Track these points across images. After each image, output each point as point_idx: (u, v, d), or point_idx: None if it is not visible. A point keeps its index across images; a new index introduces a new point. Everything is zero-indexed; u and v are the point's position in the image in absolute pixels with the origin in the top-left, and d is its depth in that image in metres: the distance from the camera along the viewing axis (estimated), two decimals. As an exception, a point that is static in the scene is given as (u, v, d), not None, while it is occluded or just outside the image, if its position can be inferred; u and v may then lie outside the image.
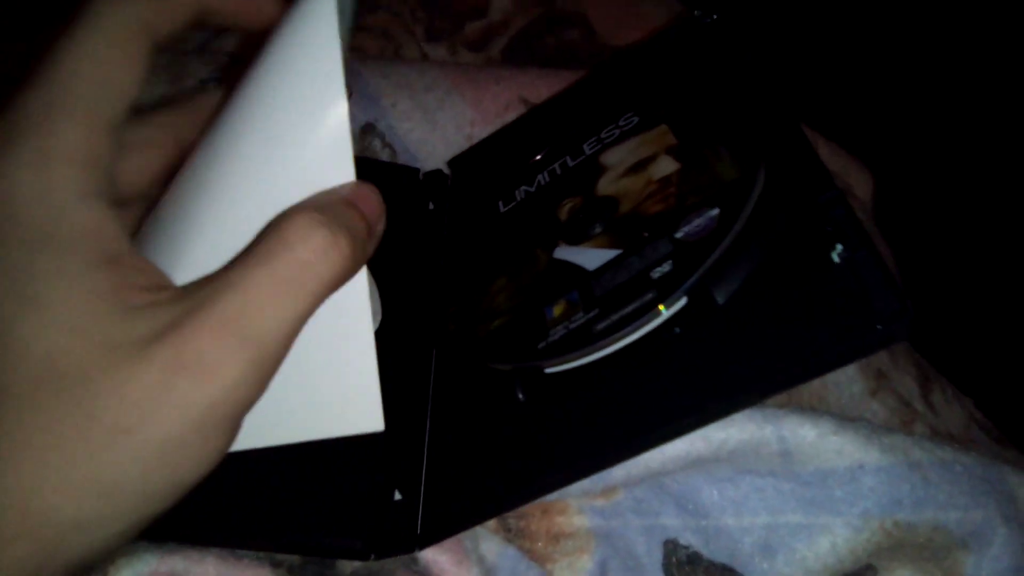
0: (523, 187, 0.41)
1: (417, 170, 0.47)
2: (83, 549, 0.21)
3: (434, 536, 0.32)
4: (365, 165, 0.46)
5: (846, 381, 0.39)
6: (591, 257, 0.35)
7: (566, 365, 0.33)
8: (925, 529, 0.32)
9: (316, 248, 0.23)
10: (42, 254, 0.22)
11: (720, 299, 0.30)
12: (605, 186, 0.38)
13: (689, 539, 0.33)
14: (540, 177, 0.41)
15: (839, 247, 0.29)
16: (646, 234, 0.34)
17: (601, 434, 0.30)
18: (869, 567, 0.32)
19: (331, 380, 0.28)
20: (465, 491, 0.33)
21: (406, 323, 0.39)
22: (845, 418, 0.35)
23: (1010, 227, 0.66)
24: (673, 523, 0.33)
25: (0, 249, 0.22)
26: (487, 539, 0.33)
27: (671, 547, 0.33)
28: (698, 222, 0.32)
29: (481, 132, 0.49)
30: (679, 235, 0.32)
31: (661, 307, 0.31)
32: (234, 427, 0.23)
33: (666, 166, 0.36)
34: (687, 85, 0.39)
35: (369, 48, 0.58)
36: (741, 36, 0.38)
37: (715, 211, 0.32)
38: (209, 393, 0.21)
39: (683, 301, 0.31)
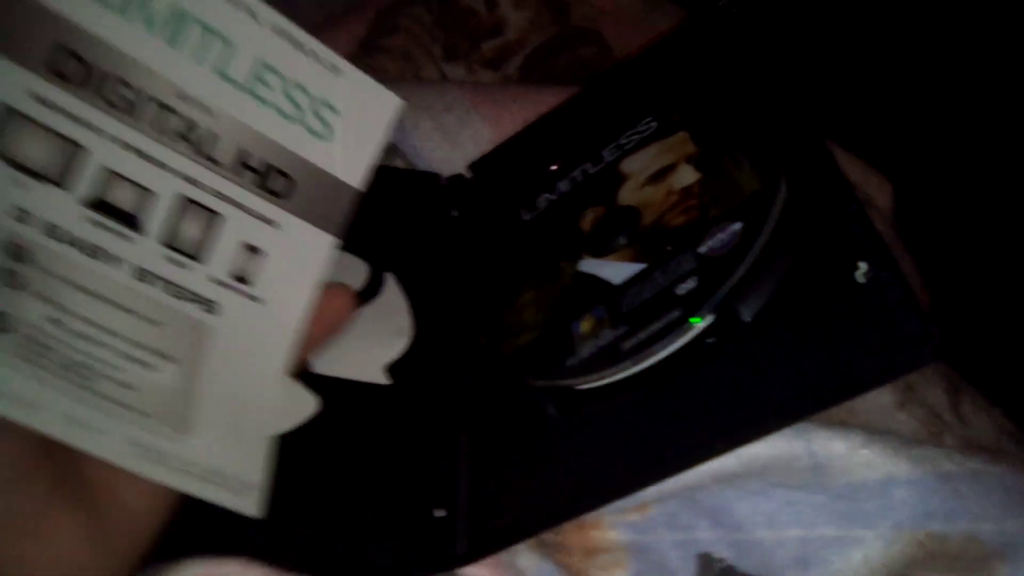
0: (545, 195, 0.41)
1: (437, 175, 0.47)
2: None
3: (476, 554, 0.32)
4: (385, 173, 0.46)
5: (874, 394, 0.39)
6: (616, 271, 0.35)
7: (597, 383, 0.33)
8: (958, 540, 0.32)
9: None
10: None
11: (746, 317, 0.31)
12: (627, 195, 0.37)
13: (723, 552, 0.33)
14: (561, 184, 0.41)
15: (863, 266, 0.29)
16: (669, 248, 0.34)
17: (636, 453, 0.31)
18: (903, 579, 0.32)
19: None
20: (505, 509, 0.33)
21: (437, 336, 0.39)
22: (874, 431, 0.35)
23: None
24: (706, 537, 0.34)
25: None
26: (524, 553, 0.33)
27: (705, 560, 0.34)
28: (721, 236, 0.32)
29: (502, 151, 0.50)
30: (703, 250, 0.32)
31: (694, 320, 0.31)
32: None
33: (687, 176, 0.36)
34: (705, 88, 0.38)
35: (390, 70, 0.59)
36: (760, 36, 0.38)
37: (737, 225, 0.32)
38: None
39: (708, 320, 0.31)
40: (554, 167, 0.41)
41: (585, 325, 0.34)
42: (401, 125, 0.50)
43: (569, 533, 0.35)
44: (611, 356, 0.32)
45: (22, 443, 0.24)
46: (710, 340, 0.31)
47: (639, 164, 0.38)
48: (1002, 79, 0.70)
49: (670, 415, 0.31)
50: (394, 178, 0.47)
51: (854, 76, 0.76)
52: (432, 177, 0.47)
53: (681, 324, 0.31)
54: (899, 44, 0.75)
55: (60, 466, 0.25)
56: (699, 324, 0.31)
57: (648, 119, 0.39)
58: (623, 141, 0.39)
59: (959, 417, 0.40)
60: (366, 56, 0.59)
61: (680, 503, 0.34)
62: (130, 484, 0.26)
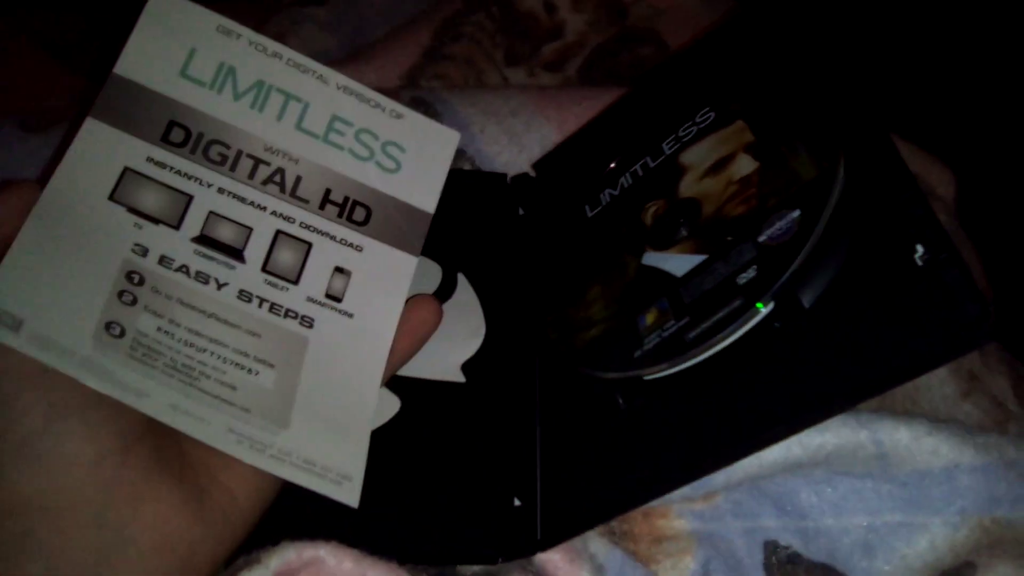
0: (608, 190, 0.42)
1: (504, 175, 0.49)
2: None
3: (553, 539, 0.34)
4: (453, 175, 0.48)
5: (938, 383, 0.39)
6: (678, 263, 0.36)
7: (662, 372, 0.34)
8: (1023, 526, 0.33)
9: None
10: None
11: (806, 303, 0.31)
12: (687, 188, 0.38)
13: (789, 540, 0.35)
14: (623, 179, 0.41)
15: (920, 248, 0.29)
16: (730, 238, 0.34)
17: (702, 440, 0.32)
18: (968, 564, 0.33)
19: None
20: (579, 496, 0.35)
21: (509, 332, 0.41)
22: (938, 420, 0.36)
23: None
24: (772, 524, 0.35)
25: None
26: (594, 540, 0.35)
27: (771, 548, 0.35)
28: (780, 225, 0.33)
29: (566, 152, 0.51)
30: (762, 239, 0.33)
31: (759, 305, 0.31)
32: None
33: (745, 165, 0.36)
34: (762, 76, 0.39)
35: (454, 76, 0.61)
36: (814, 23, 0.38)
37: (796, 213, 0.32)
38: None
39: (770, 306, 0.31)
40: (612, 165, 0.42)
41: (650, 317, 0.35)
42: (469, 130, 0.52)
43: (637, 522, 0.36)
44: (676, 347, 0.33)
45: (129, 421, 0.27)
46: (775, 325, 0.32)
47: (698, 155, 0.38)
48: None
49: (733, 403, 0.32)
50: (462, 180, 0.49)
51: (916, 66, 0.75)
52: (499, 177, 0.49)
53: (743, 313, 0.31)
54: (961, 34, 0.74)
55: (164, 446, 0.28)
56: (762, 311, 0.31)
57: (706, 109, 0.39)
58: (682, 133, 0.40)
59: (1023, 406, 0.41)
60: (431, 64, 0.61)
61: (747, 491, 0.35)
62: (231, 469, 0.29)
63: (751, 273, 0.32)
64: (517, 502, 0.35)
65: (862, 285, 0.30)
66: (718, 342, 0.32)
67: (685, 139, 0.39)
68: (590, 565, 0.34)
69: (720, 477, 0.35)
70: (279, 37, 0.64)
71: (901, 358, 0.28)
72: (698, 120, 0.39)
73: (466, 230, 0.44)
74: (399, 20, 0.67)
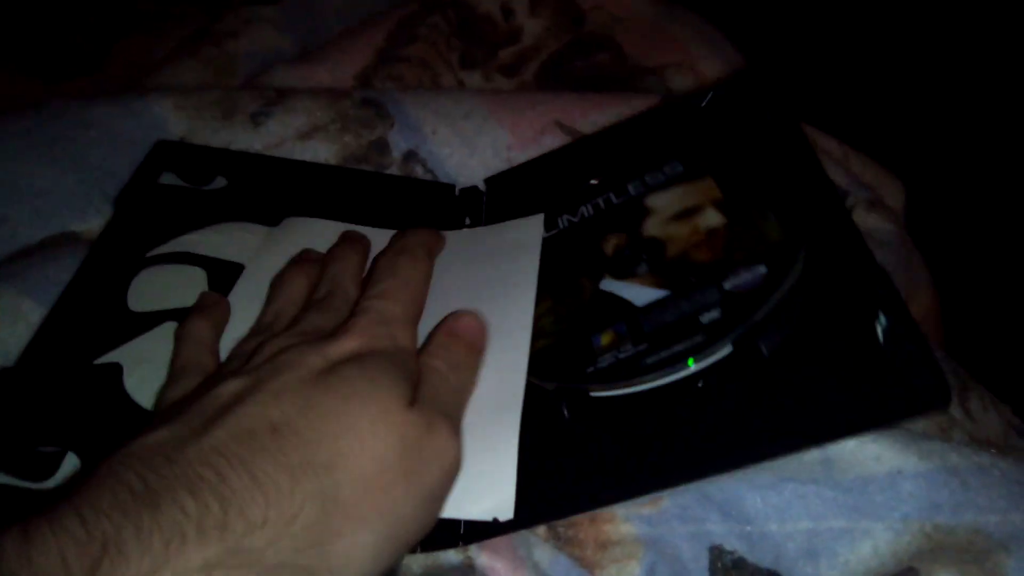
0: (566, 215, 0.43)
1: (453, 186, 0.49)
2: None
3: (476, 535, 0.34)
4: (402, 183, 0.49)
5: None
6: (639, 293, 0.38)
7: (611, 392, 0.35)
8: (965, 532, 0.33)
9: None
10: None
11: (765, 351, 0.34)
12: (652, 228, 0.40)
13: (734, 545, 0.34)
14: (584, 209, 0.43)
15: (883, 318, 0.32)
16: (694, 280, 0.37)
17: (641, 461, 0.33)
18: (911, 569, 0.33)
19: (475, 462, 0.32)
20: None
21: None
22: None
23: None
24: (718, 529, 0.35)
25: None
26: (539, 546, 0.34)
27: (716, 553, 0.35)
28: (746, 276, 0.35)
29: (518, 156, 0.51)
30: (728, 286, 0.35)
31: (690, 361, 0.34)
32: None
33: (713, 218, 0.39)
34: (731, 143, 0.41)
35: (408, 78, 0.60)
36: (781, 104, 0.41)
37: (763, 268, 0.35)
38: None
39: (728, 349, 0.34)
40: (579, 191, 0.44)
41: (605, 338, 0.37)
42: (421, 132, 0.51)
43: (583, 527, 0.35)
44: (632, 369, 0.35)
45: None
46: (700, 384, 0.34)
47: (664, 201, 0.41)
48: (1010, 80, 0.71)
49: (678, 432, 0.33)
50: (409, 189, 0.49)
51: (866, 78, 0.76)
52: (447, 188, 0.49)
53: (704, 348, 0.34)
54: (909, 47, 0.75)
55: None
56: (722, 352, 0.34)
57: (674, 162, 0.42)
58: (648, 179, 0.42)
59: (967, 413, 0.41)
60: (385, 65, 0.61)
61: (692, 496, 0.35)
62: None
63: (715, 314, 0.35)
64: None
65: (820, 344, 0.33)
66: (673, 373, 0.34)
67: (652, 184, 0.42)
68: (534, 573, 0.33)
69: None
70: (232, 35, 0.64)
71: (851, 416, 0.31)
72: (666, 170, 0.42)
73: None
74: (354, 20, 0.66)
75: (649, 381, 0.35)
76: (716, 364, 0.34)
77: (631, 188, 0.42)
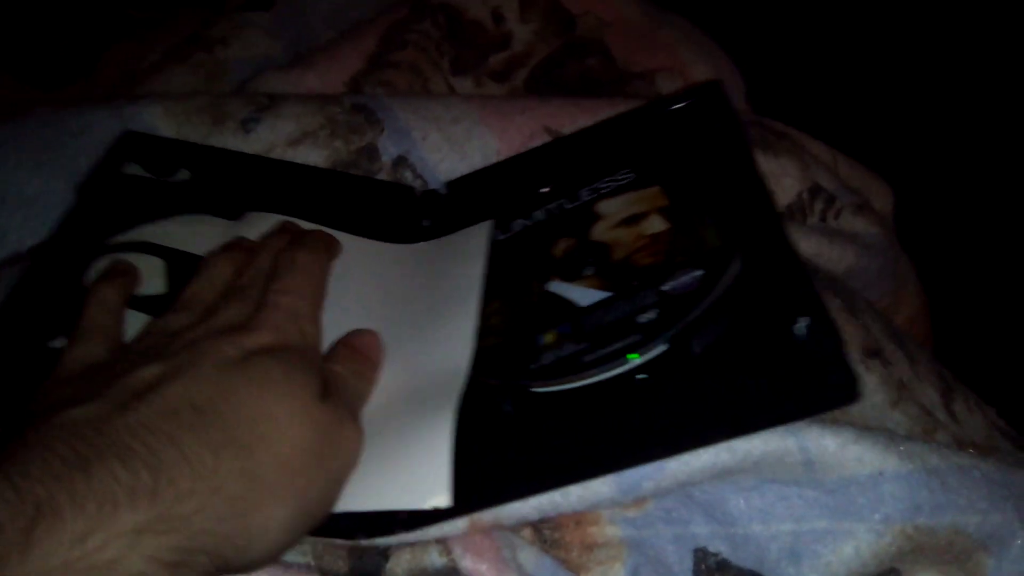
0: (520, 220, 0.45)
1: (413, 188, 0.50)
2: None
3: (415, 523, 0.34)
4: (363, 184, 0.49)
5: (868, 392, 0.40)
6: (583, 295, 0.40)
7: (553, 388, 0.37)
8: (945, 533, 0.33)
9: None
10: None
11: (697, 349, 0.36)
12: (599, 233, 0.42)
13: (718, 546, 0.35)
14: (537, 213, 0.45)
15: (803, 320, 0.34)
16: (635, 283, 0.39)
17: (580, 452, 0.34)
18: (892, 570, 0.33)
19: (411, 455, 0.34)
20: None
21: None
22: (867, 428, 0.36)
23: (1034, 236, 0.67)
24: (702, 531, 0.35)
25: None
26: (524, 549, 0.34)
27: (700, 555, 0.35)
28: (684, 279, 0.37)
29: (508, 160, 0.51)
30: (666, 288, 0.38)
31: (630, 356, 0.36)
32: None
33: (658, 224, 0.41)
34: (681, 154, 0.44)
35: (399, 83, 0.60)
36: (730, 119, 0.44)
37: (699, 272, 0.37)
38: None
39: (663, 347, 0.36)
40: (533, 197, 0.46)
41: (549, 337, 0.39)
42: (410, 137, 0.52)
43: (568, 529, 0.36)
44: (573, 366, 0.37)
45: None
46: (641, 377, 0.36)
47: (614, 207, 0.43)
48: (1000, 84, 0.71)
49: (614, 424, 0.35)
50: (370, 189, 0.49)
51: (855, 84, 0.77)
52: (407, 189, 0.50)
53: (641, 346, 0.36)
54: (899, 50, 0.76)
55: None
56: (650, 354, 0.36)
57: (626, 170, 0.44)
58: (601, 185, 0.44)
59: (952, 415, 0.41)
60: (376, 71, 0.61)
61: (676, 498, 0.35)
62: None
63: (652, 315, 0.37)
64: None
65: (746, 343, 0.35)
66: (610, 369, 0.36)
67: (603, 191, 0.44)
68: (519, 575, 0.34)
69: (650, 483, 0.35)
70: (223, 41, 0.64)
71: (771, 407, 0.33)
72: (618, 177, 0.44)
73: (377, 236, 0.46)
74: (345, 26, 0.66)
75: (587, 377, 0.36)
76: (652, 361, 0.36)
77: (583, 194, 0.44)
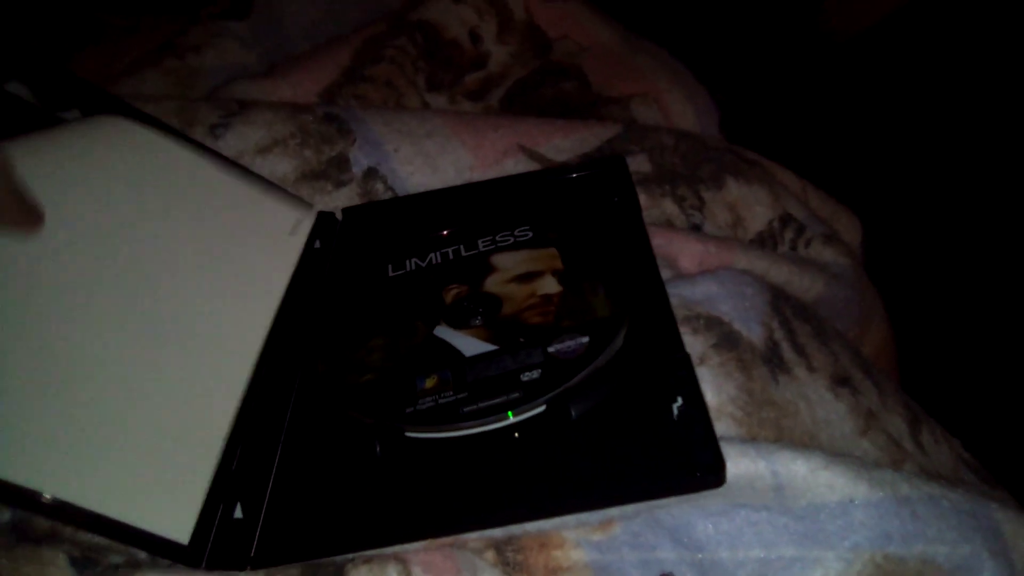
0: (414, 259, 0.46)
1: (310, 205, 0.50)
2: None
3: (266, 560, 0.34)
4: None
5: (837, 420, 0.40)
6: (468, 344, 0.40)
7: (427, 435, 0.37)
8: (914, 563, 0.33)
9: None
10: None
11: (575, 414, 0.36)
12: (492, 285, 0.43)
13: (685, 572, 0.34)
14: (432, 255, 0.46)
15: (679, 400, 0.35)
16: (522, 340, 0.39)
17: (447, 504, 0.34)
18: (860, 600, 0.33)
19: (165, 472, 0.33)
20: (306, 526, 0.35)
21: (277, 349, 0.41)
22: (835, 454, 0.36)
23: (999, 272, 0.68)
24: (669, 556, 0.34)
25: None
26: (487, 571, 0.33)
27: (667, 581, 0.34)
28: (569, 344, 0.38)
29: (480, 176, 0.51)
30: (551, 350, 0.38)
31: (509, 413, 0.36)
32: None
33: (550, 286, 0.42)
34: (580, 220, 0.46)
35: (373, 97, 0.60)
36: (627, 190, 0.46)
37: (585, 339, 0.38)
38: None
39: (542, 408, 0.36)
40: (430, 237, 0.47)
41: (429, 382, 0.38)
42: (382, 149, 0.51)
43: (532, 552, 0.35)
44: (449, 415, 0.37)
45: None
46: (516, 435, 0.36)
47: (509, 262, 0.44)
48: (968, 118, 0.72)
49: (485, 479, 0.35)
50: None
51: (827, 113, 0.78)
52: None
53: (520, 404, 0.36)
54: (871, 83, 0.77)
55: None
56: (528, 414, 0.36)
57: (526, 228, 0.46)
58: (499, 239, 0.45)
59: (919, 446, 0.41)
60: (350, 84, 0.60)
61: (643, 522, 0.34)
62: None
63: (535, 375, 0.37)
64: (240, 514, 0.35)
65: (623, 414, 0.36)
66: (488, 424, 0.36)
67: (501, 244, 0.45)
68: (480, 598, 0.32)
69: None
70: (196, 49, 0.63)
71: (638, 484, 0.34)
72: (517, 234, 0.45)
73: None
74: (322, 39, 0.66)
75: (463, 428, 0.36)
76: (529, 421, 0.36)
77: (481, 244, 0.45)
